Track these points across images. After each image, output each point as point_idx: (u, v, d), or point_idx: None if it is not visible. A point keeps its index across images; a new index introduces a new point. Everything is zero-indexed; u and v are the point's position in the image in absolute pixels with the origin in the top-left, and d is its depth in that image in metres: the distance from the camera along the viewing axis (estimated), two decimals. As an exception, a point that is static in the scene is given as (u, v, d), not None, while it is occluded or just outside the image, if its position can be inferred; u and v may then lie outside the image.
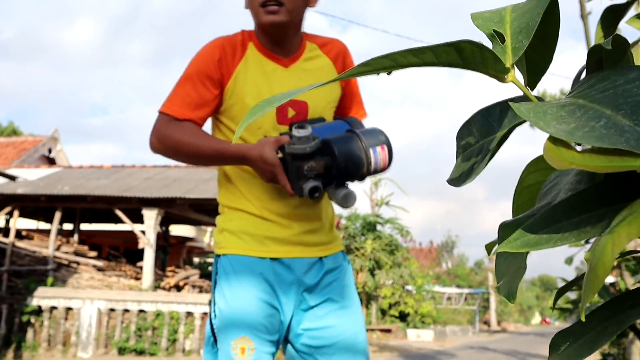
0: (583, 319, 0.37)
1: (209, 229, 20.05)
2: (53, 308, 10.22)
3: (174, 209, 11.50)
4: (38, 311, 10.27)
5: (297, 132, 1.56)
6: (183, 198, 11.02)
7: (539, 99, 0.50)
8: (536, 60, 0.54)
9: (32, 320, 10.24)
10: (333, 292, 1.75)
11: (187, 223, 15.18)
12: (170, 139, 1.71)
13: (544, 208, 0.48)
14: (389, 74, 0.45)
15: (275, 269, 1.71)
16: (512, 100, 0.53)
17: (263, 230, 1.73)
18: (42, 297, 10.22)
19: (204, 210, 12.95)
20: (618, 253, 0.32)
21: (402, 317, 20.39)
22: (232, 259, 1.72)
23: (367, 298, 19.63)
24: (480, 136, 0.56)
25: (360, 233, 19.50)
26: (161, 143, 1.73)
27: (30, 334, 10.14)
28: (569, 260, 4.39)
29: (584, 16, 2.23)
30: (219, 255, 1.76)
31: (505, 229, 0.49)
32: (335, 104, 1.87)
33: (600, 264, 0.32)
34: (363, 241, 19.20)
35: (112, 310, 10.10)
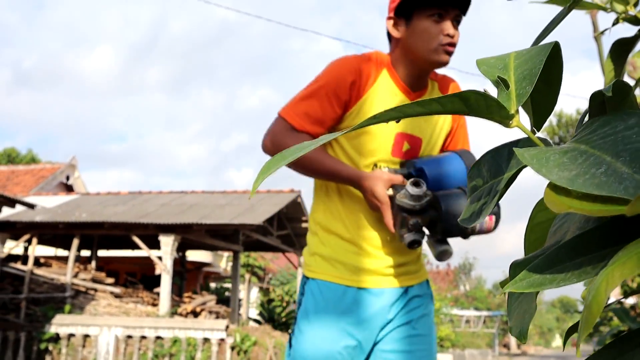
0: (578, 355, 0.39)
1: (226, 254, 20.08)
2: (71, 335, 10.26)
3: (190, 235, 11.55)
4: (56, 338, 10.31)
5: (411, 190, 1.57)
6: (199, 224, 11.07)
7: (545, 141, 0.51)
8: (541, 103, 0.56)
9: (50, 347, 10.28)
10: (413, 319, 1.79)
11: (203, 248, 15.23)
12: (282, 147, 1.70)
13: (552, 247, 0.49)
14: (397, 121, 0.47)
15: (364, 298, 1.74)
16: (518, 142, 0.55)
17: (355, 260, 1.76)
18: (60, 324, 10.26)
19: (220, 236, 13.00)
20: (611, 291, 0.34)
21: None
22: (321, 284, 1.76)
23: (384, 322, 19.44)
24: (490, 177, 0.58)
25: (376, 256, 19.38)
26: (275, 147, 1.73)
27: (48, 361, 10.17)
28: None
29: (597, 38, 2.25)
30: (307, 278, 1.80)
31: (516, 269, 0.51)
32: (444, 140, 1.89)
33: (594, 302, 0.34)
34: (379, 264, 19.06)
35: (129, 337, 10.12)
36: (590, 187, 0.38)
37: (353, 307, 1.73)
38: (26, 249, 12.84)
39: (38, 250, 12.84)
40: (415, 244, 1.59)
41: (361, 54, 1.81)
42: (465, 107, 0.46)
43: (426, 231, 1.62)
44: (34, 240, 11.96)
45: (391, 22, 1.79)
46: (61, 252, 14.67)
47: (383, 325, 1.77)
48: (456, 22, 1.73)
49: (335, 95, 1.73)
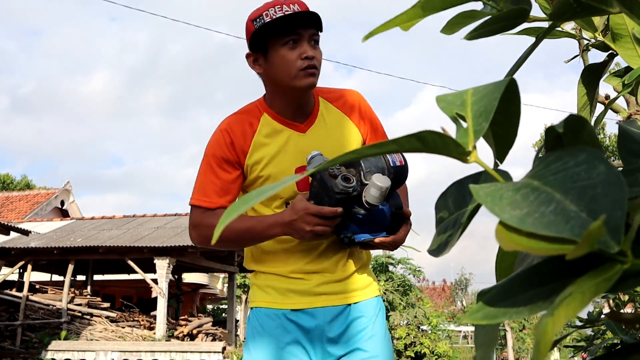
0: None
1: (222, 275, 20.01)
2: (67, 361, 10.17)
3: (185, 257, 11.52)
4: (52, 365, 10.23)
5: (310, 155, 1.66)
6: (194, 246, 11.04)
7: (505, 174, 0.52)
8: (503, 136, 0.57)
9: (46, 374, 10.19)
10: (360, 342, 1.74)
11: (199, 271, 15.18)
12: (208, 229, 1.74)
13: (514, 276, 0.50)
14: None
15: (299, 319, 1.74)
16: (481, 175, 0.56)
17: (285, 284, 1.77)
18: (56, 350, 10.19)
19: (215, 258, 12.96)
20: (558, 331, 0.35)
21: (418, 357, 20.09)
22: (257, 312, 1.79)
23: (383, 340, 19.35)
24: (455, 208, 0.59)
25: (373, 274, 19.35)
26: (200, 235, 1.77)
27: (44, 388, 10.08)
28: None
29: (583, 56, 2.28)
30: (252, 309, 1.84)
31: (480, 298, 0.52)
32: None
33: (542, 343, 0.35)
34: (376, 282, 19.03)
35: (125, 361, 10.05)
36: (539, 226, 0.39)
37: (288, 328, 1.74)
38: (21, 275, 12.77)
39: (33, 276, 12.77)
40: (348, 181, 1.60)
41: (237, 111, 1.83)
42: (422, 146, 0.47)
43: (355, 179, 1.63)
44: (29, 267, 11.90)
45: (251, 59, 1.78)
46: (56, 278, 14.59)
47: (325, 348, 1.73)
48: (314, 42, 1.72)
49: (224, 160, 1.76)
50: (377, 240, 1.68)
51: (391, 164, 1.65)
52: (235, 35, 19.45)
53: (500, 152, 0.59)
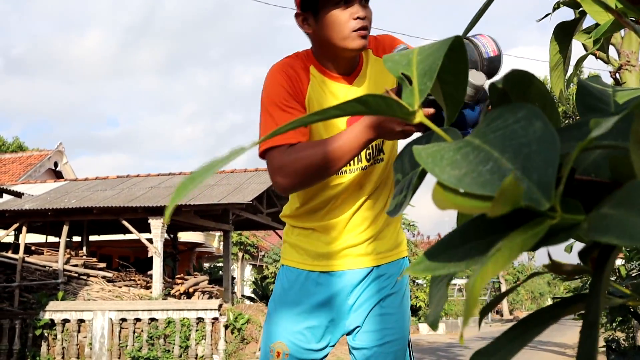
0: (462, 342, 0.41)
1: (217, 233, 20.12)
2: (65, 321, 10.30)
3: (179, 217, 11.56)
4: (51, 325, 10.36)
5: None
6: (188, 205, 11.08)
7: (453, 133, 0.52)
8: (453, 94, 0.57)
9: (46, 334, 10.33)
10: (381, 298, 1.80)
11: (194, 229, 15.25)
12: (295, 163, 1.59)
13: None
14: (305, 127, 0.48)
15: (325, 281, 1.80)
16: (432, 135, 0.56)
17: (316, 247, 1.81)
18: (54, 310, 10.30)
19: (210, 216, 13.01)
20: (485, 285, 0.36)
21: (414, 311, 20.41)
22: (287, 270, 1.85)
23: (378, 294, 19.64)
24: (410, 169, 0.59)
25: (367, 230, 19.52)
26: (289, 175, 1.60)
27: (44, 348, 10.23)
28: (569, 249, 4.44)
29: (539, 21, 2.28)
30: (281, 265, 1.89)
31: (436, 245, 0.52)
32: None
33: (471, 297, 0.35)
34: (371, 238, 19.21)
35: (123, 320, 10.17)
36: (474, 186, 0.39)
37: (315, 289, 1.79)
38: (17, 237, 12.82)
39: (28, 238, 12.82)
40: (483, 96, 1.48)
41: (285, 58, 1.80)
42: (365, 109, 0.47)
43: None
44: (24, 228, 11.93)
45: (300, 19, 1.75)
46: (52, 239, 14.66)
47: (350, 305, 1.80)
48: (365, 1, 1.70)
49: (290, 98, 1.71)
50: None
51: (485, 55, 1.57)
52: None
53: (452, 110, 0.58)
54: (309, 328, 1.78)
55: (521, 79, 0.49)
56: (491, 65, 1.61)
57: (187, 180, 0.44)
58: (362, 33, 1.68)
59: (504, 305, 30.44)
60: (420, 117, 0.49)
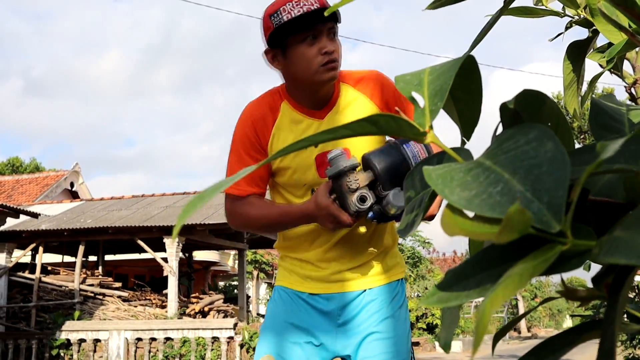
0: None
1: (232, 252, 20.13)
2: (81, 341, 10.31)
3: (194, 236, 11.58)
4: (67, 344, 10.38)
5: (329, 154, 1.60)
6: (202, 224, 11.10)
7: (465, 153, 0.52)
8: (467, 113, 0.57)
9: (62, 353, 10.35)
10: (373, 325, 1.79)
11: (208, 248, 15.27)
12: (240, 217, 1.80)
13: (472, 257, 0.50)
14: (315, 146, 0.48)
15: (315, 303, 1.82)
16: (444, 155, 0.55)
17: (304, 271, 1.84)
18: (70, 330, 10.32)
19: (224, 235, 13.03)
20: (494, 312, 0.35)
21: (430, 329, 20.24)
22: (280, 290, 1.89)
23: (394, 312, 19.51)
24: (421, 187, 0.58)
25: (382, 247, 19.44)
26: (235, 224, 1.84)
27: (60, 368, 10.24)
28: (587, 267, 4.38)
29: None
30: (276, 286, 1.94)
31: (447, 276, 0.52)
32: (383, 137, 1.82)
33: (480, 324, 0.35)
34: (386, 255, 19.12)
35: (139, 339, 10.17)
36: (484, 208, 0.38)
37: (304, 308, 1.82)
38: (33, 257, 12.90)
39: (45, 258, 12.90)
40: (364, 201, 1.57)
41: (259, 97, 1.83)
42: (376, 129, 0.46)
43: (372, 197, 1.59)
44: (41, 248, 12.01)
45: (269, 56, 1.77)
46: (68, 259, 14.74)
47: (340, 328, 1.79)
48: (333, 35, 1.71)
49: (251, 147, 1.78)
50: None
51: (413, 163, 1.60)
52: (247, 15, 19.31)
53: (467, 130, 0.58)
54: (297, 344, 1.79)
55: (533, 99, 0.49)
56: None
57: (196, 199, 0.44)
58: (331, 66, 1.69)
59: (522, 322, 30.09)
60: (431, 137, 0.48)
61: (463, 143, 0.60)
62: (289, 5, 1.67)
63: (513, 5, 0.84)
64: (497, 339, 0.51)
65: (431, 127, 0.49)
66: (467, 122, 0.58)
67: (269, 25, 1.71)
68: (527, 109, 0.50)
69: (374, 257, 1.84)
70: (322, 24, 1.67)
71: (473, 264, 0.43)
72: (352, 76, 1.84)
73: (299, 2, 1.66)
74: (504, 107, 0.50)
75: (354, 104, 1.80)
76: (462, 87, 0.54)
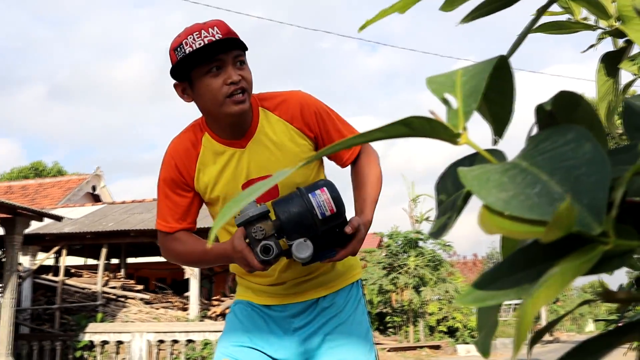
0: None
1: (252, 255, 20.16)
2: (104, 342, 10.41)
3: (215, 238, 11.64)
4: (90, 346, 10.48)
5: (262, 257, 1.59)
6: (224, 227, 11.14)
7: (499, 155, 0.52)
8: (499, 113, 0.56)
9: (85, 355, 10.45)
10: (329, 331, 1.80)
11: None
12: (169, 252, 1.84)
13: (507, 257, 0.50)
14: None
15: (270, 311, 1.85)
16: (477, 155, 0.55)
17: (259, 287, 1.87)
18: (93, 332, 10.42)
19: (245, 237, 13.06)
20: (537, 313, 0.35)
21: (451, 332, 20.11)
22: (237, 302, 1.94)
23: (413, 315, 19.44)
24: (454, 190, 0.58)
25: (402, 250, 19.39)
26: (166, 256, 1.88)
27: (83, 369, 10.34)
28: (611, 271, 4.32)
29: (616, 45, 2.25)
30: (234, 301, 1.98)
31: (483, 275, 0.52)
32: (312, 153, 1.80)
33: (522, 326, 0.34)
34: (406, 258, 19.07)
35: (161, 341, 10.24)
36: (523, 209, 0.38)
37: (259, 316, 1.85)
38: (57, 259, 13.05)
39: (68, 260, 13.04)
40: (268, 252, 1.57)
41: (181, 132, 1.84)
42: (410, 131, 0.46)
43: (276, 248, 1.59)
44: (64, 251, 12.15)
45: (179, 89, 1.74)
46: (91, 261, 14.89)
47: (294, 336, 1.81)
48: (240, 63, 1.67)
49: (175, 185, 1.79)
50: (334, 259, 1.65)
51: (319, 217, 1.58)
52: (268, 19, 19.39)
53: (498, 129, 0.58)
54: (252, 349, 1.81)
55: (568, 100, 0.49)
56: (325, 226, 1.59)
57: (232, 202, 0.44)
58: (238, 98, 1.66)
59: (543, 325, 29.80)
60: (465, 139, 0.48)
61: (495, 142, 0.60)
62: (190, 37, 1.64)
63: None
64: (534, 341, 0.51)
65: (465, 129, 0.49)
66: (500, 122, 0.57)
67: (174, 58, 1.69)
68: (562, 110, 0.50)
69: (326, 268, 1.83)
70: (225, 54, 1.64)
71: (510, 263, 0.43)
72: (271, 100, 1.80)
73: (201, 34, 1.64)
74: (540, 108, 0.50)
75: (274, 129, 1.77)
76: (495, 87, 0.54)
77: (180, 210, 1.81)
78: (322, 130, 1.80)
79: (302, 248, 1.57)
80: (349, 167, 1.90)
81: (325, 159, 1.92)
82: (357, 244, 1.66)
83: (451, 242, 19.86)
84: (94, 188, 21.62)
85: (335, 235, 1.64)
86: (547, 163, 0.42)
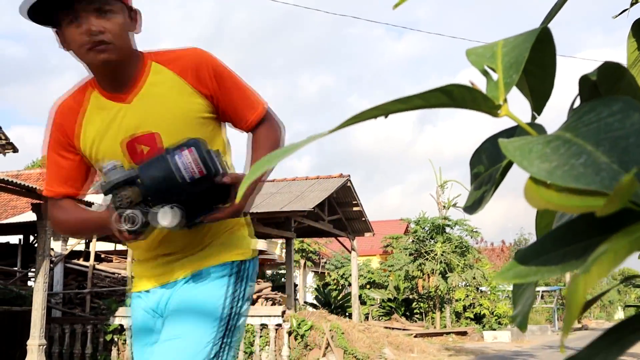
0: (562, 351, 0.39)
1: (280, 241, 20.29)
2: (134, 326, 10.58)
3: (242, 224, 11.70)
4: (120, 330, 10.64)
5: (104, 167, 1.52)
6: (251, 213, 11.19)
7: (539, 128, 0.51)
8: (539, 88, 0.55)
9: (115, 338, 10.62)
10: (171, 309, 1.74)
11: (257, 237, 15.40)
12: (53, 221, 1.79)
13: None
14: (386, 117, 0.47)
15: (145, 298, 1.82)
16: (515, 130, 0.54)
17: (134, 272, 1.87)
18: (123, 316, 10.57)
19: (272, 224, 13.13)
20: (589, 291, 0.34)
21: (478, 319, 20.03)
22: (130, 297, 1.90)
23: (440, 301, 19.39)
24: (490, 164, 0.57)
25: (429, 237, 19.31)
26: (52, 226, 1.85)
27: (114, 352, 10.51)
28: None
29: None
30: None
31: (516, 255, 0.51)
32: (203, 119, 1.71)
33: (574, 303, 0.33)
34: (433, 244, 19.00)
35: (189, 326, 10.37)
36: (567, 179, 0.37)
37: (139, 308, 1.83)
38: (87, 245, 13.25)
39: (98, 245, 13.23)
40: (132, 221, 1.47)
41: (70, 89, 1.76)
42: (450, 101, 0.45)
43: (141, 217, 1.49)
44: (94, 237, 12.33)
45: (58, 37, 1.66)
46: (120, 247, 15.09)
47: (157, 320, 1.81)
48: (104, 13, 1.59)
49: (60, 146, 1.73)
50: (208, 219, 1.58)
51: (186, 180, 1.47)
52: (297, 4, 19.36)
53: (538, 105, 0.57)
54: (142, 345, 1.81)
55: (613, 71, 0.47)
56: (194, 189, 1.47)
57: (264, 160, 0.44)
58: (98, 48, 1.59)
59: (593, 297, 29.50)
60: (505, 111, 0.47)
61: (534, 118, 0.59)
62: None
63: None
64: (582, 312, 0.49)
65: (505, 100, 0.48)
66: (539, 97, 0.56)
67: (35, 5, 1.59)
68: (606, 81, 0.48)
69: (202, 246, 1.75)
70: (84, 4, 1.57)
71: (555, 238, 0.42)
72: (167, 55, 1.73)
73: None
74: (584, 79, 0.49)
75: (164, 84, 1.68)
76: (535, 60, 0.53)
77: (63, 172, 1.74)
78: (220, 90, 1.71)
79: (166, 215, 1.46)
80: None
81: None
82: (237, 206, 1.58)
83: (479, 228, 19.73)
84: (122, 174, 21.89)
85: (211, 199, 1.53)
86: (592, 134, 0.40)
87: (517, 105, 0.59)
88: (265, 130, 1.79)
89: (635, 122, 0.39)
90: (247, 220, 1.92)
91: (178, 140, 1.57)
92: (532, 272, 0.41)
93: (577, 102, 0.52)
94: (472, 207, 0.57)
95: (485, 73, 0.49)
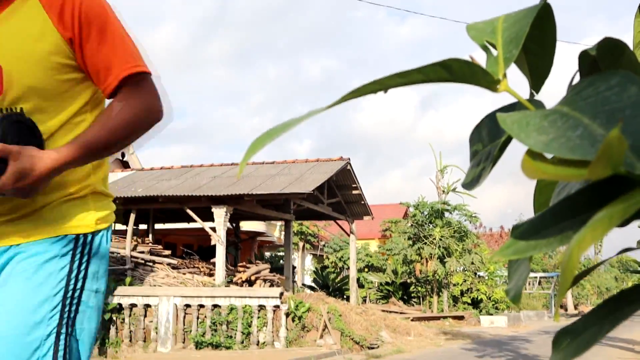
0: (556, 319, 0.39)
1: (279, 223, 20.33)
2: (133, 305, 10.62)
3: (242, 206, 11.73)
4: (119, 309, 10.69)
5: None
6: (250, 194, 11.22)
7: (538, 103, 0.51)
8: (538, 65, 0.55)
9: (114, 317, 10.68)
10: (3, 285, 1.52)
11: (256, 219, 15.46)
12: None
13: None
14: (385, 92, 0.48)
15: None
16: (515, 106, 0.54)
17: None
18: (122, 295, 10.63)
19: (271, 206, 13.16)
20: (582, 256, 0.35)
21: (475, 303, 20.12)
22: None
23: (438, 285, 19.47)
24: (489, 141, 0.58)
25: (428, 221, 19.35)
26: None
27: (112, 331, 10.57)
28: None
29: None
30: None
31: (514, 232, 0.51)
32: (60, 65, 1.51)
33: (567, 268, 0.34)
34: (431, 229, 19.05)
35: (187, 306, 10.41)
36: (564, 150, 0.38)
37: None
38: (86, 224, 13.27)
39: (97, 225, 13.26)
40: None
41: None
42: (449, 75, 0.46)
43: None
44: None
45: None
46: (120, 227, 15.13)
47: None
48: None
49: None
50: None
51: None
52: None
53: (537, 83, 0.57)
54: None
55: (613, 47, 0.48)
56: None
57: (264, 135, 0.44)
58: None
59: (569, 299, 29.65)
60: (504, 86, 0.48)
61: (532, 97, 0.59)
62: None
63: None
64: (573, 283, 0.50)
65: (505, 76, 0.48)
66: (538, 75, 0.57)
67: None
68: (606, 57, 0.49)
69: (30, 209, 1.53)
70: None
71: (554, 212, 0.42)
72: None
73: None
74: (584, 55, 0.49)
75: (26, 14, 1.49)
76: (535, 38, 0.53)
77: None
78: (81, 37, 1.51)
79: None
80: None
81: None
82: (12, 178, 1.38)
83: (478, 213, 19.76)
84: (123, 155, 21.84)
85: None
86: (589, 108, 0.41)
87: (516, 87, 0.60)
88: (123, 102, 1.54)
89: (632, 95, 0.40)
90: (102, 187, 1.71)
91: (50, 90, 1.45)
92: (532, 247, 0.42)
93: (577, 78, 0.52)
94: (471, 183, 0.58)
95: (485, 48, 0.50)
